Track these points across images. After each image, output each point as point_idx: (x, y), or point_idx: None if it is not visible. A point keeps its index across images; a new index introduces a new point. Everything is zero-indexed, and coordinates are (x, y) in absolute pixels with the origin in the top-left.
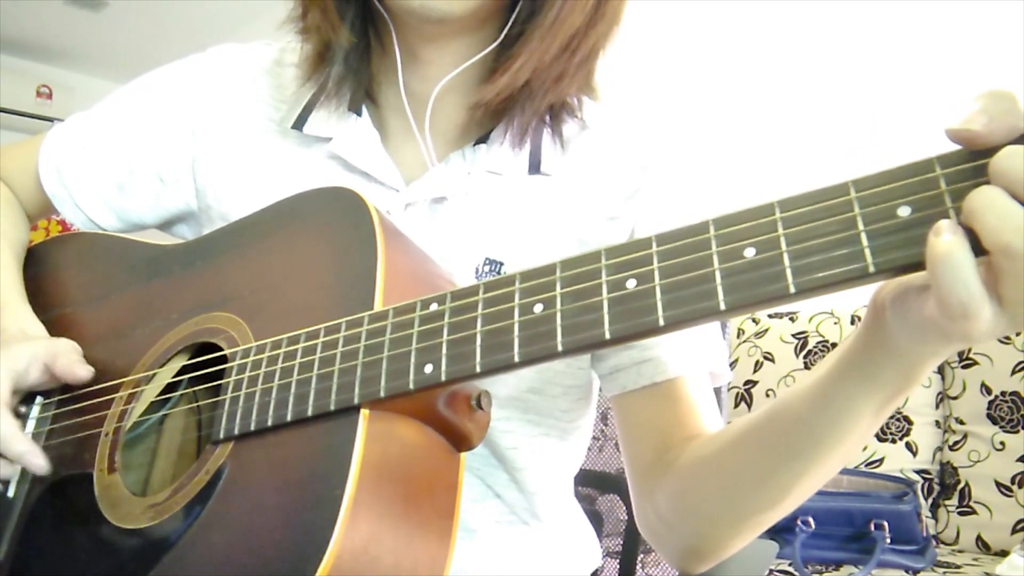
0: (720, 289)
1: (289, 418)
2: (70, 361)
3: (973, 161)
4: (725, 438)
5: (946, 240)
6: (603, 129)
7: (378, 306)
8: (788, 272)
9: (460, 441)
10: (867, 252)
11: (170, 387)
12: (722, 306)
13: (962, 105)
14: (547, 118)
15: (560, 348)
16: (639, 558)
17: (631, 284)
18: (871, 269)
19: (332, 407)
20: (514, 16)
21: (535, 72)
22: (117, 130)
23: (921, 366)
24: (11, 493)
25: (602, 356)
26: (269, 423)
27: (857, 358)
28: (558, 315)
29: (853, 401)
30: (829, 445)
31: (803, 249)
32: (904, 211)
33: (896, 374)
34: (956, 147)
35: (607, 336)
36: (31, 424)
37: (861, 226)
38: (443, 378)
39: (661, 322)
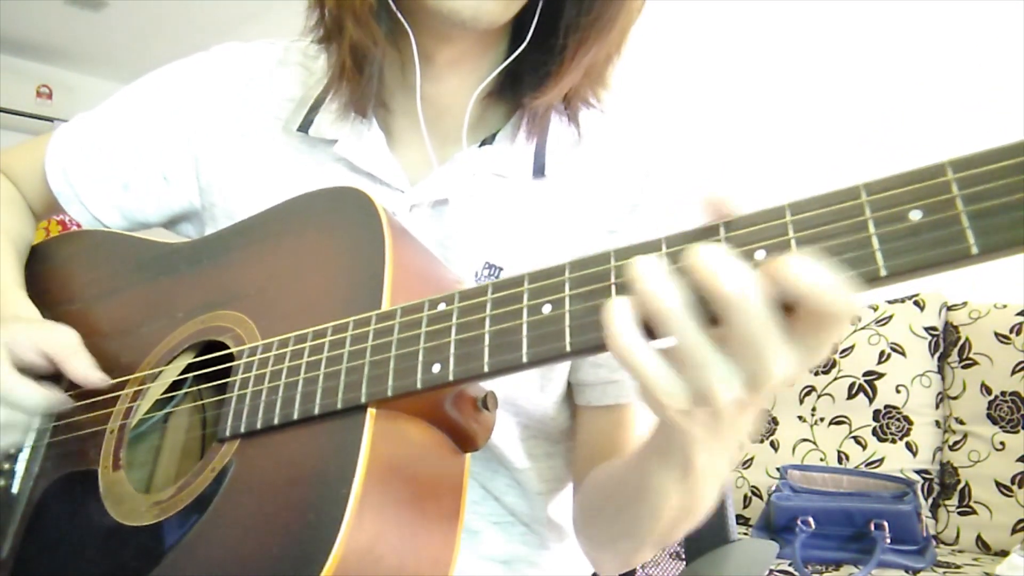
0: None
1: (295, 416)
2: (85, 365)
3: (985, 165)
4: (602, 472)
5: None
6: (608, 135)
7: (386, 306)
8: None
9: (465, 442)
10: (878, 255)
11: (176, 385)
12: None
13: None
14: (562, 107)
15: (569, 349)
16: None
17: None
18: (883, 272)
19: (339, 406)
20: (562, 28)
21: (583, 77)
22: (122, 129)
23: (690, 451)
24: (15, 489)
25: (575, 366)
26: (275, 421)
27: (655, 437)
28: (567, 316)
29: (654, 474)
30: (647, 502)
31: (814, 252)
32: (916, 215)
33: (680, 453)
34: (968, 149)
35: None
36: (36, 421)
37: (872, 229)
38: (451, 378)
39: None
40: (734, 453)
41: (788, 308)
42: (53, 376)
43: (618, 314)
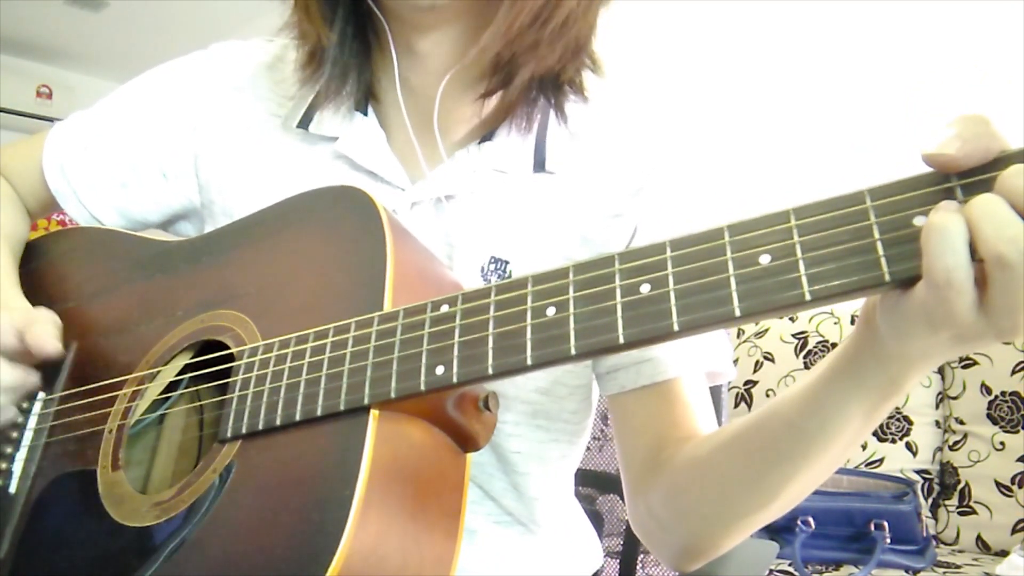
0: (735, 295)
1: (298, 417)
2: (43, 332)
3: (985, 173)
4: (719, 440)
5: (943, 213)
6: (608, 126)
7: (387, 306)
8: (804, 280)
9: (467, 442)
10: (883, 261)
11: (174, 384)
12: (737, 312)
13: (938, 131)
14: (550, 98)
15: (573, 351)
16: (639, 558)
17: (645, 289)
18: (887, 278)
19: (342, 407)
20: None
21: (506, 44)
22: (120, 127)
23: (908, 370)
24: (13, 489)
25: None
26: (278, 422)
27: (848, 363)
28: (571, 318)
29: (842, 406)
30: (817, 449)
31: (819, 257)
32: (920, 221)
33: (884, 379)
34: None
35: (621, 340)
36: (32, 420)
37: (877, 235)
38: (455, 380)
39: (676, 327)
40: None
41: None
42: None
43: (958, 231)
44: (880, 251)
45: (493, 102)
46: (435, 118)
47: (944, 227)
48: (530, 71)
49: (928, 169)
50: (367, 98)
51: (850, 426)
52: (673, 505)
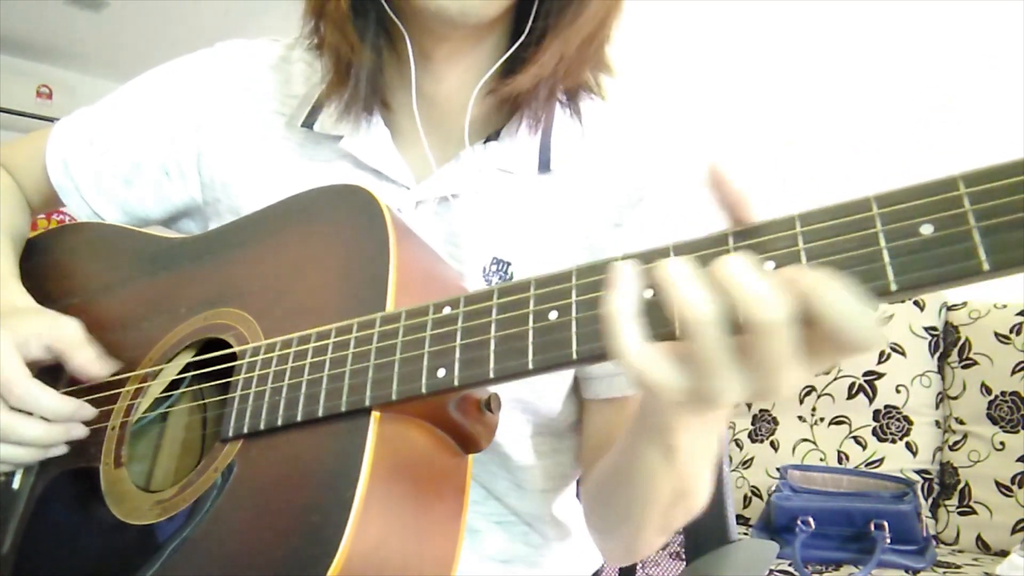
0: None
1: (299, 418)
2: (87, 359)
3: (998, 180)
4: (602, 459)
5: (614, 296)
6: (612, 131)
7: (390, 307)
8: None
9: (468, 443)
10: (888, 269)
11: (177, 382)
12: None
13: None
14: (564, 98)
15: (575, 356)
16: None
17: (648, 294)
18: (893, 287)
19: (343, 408)
20: (534, 10)
21: (559, 62)
22: (123, 124)
23: (667, 428)
24: (16, 485)
25: None
26: (279, 422)
27: (638, 420)
28: (573, 323)
29: (639, 445)
30: (640, 480)
31: (823, 264)
32: (927, 229)
33: (654, 431)
34: (981, 165)
35: None
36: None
37: (883, 243)
38: (456, 383)
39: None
40: (721, 432)
41: (807, 323)
42: (51, 368)
43: (621, 313)
44: (886, 259)
45: (500, 101)
46: (467, 123)
47: (611, 318)
48: (564, 87)
49: (937, 176)
50: (374, 101)
51: (652, 463)
52: (588, 510)
